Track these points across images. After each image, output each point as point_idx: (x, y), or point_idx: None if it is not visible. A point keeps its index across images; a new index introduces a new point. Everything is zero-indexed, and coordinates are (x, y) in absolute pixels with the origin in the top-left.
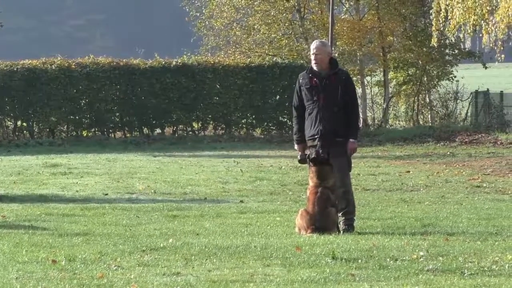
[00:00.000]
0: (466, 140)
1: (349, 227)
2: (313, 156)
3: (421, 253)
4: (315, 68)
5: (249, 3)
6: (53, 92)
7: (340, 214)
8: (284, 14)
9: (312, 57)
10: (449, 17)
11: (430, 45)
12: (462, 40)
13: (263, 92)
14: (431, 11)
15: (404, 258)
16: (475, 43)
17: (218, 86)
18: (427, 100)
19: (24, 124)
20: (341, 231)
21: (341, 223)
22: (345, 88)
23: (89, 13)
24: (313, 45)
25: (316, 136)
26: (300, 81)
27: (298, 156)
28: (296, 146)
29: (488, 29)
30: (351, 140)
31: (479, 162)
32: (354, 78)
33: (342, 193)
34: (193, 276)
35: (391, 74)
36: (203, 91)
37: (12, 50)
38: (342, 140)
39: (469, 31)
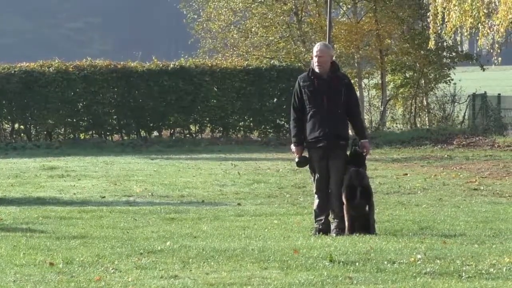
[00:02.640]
0: (464, 143)
1: (341, 231)
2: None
3: (419, 256)
4: (317, 70)
5: (247, 6)
6: (50, 95)
7: (333, 218)
8: (281, 17)
9: (316, 59)
10: (446, 20)
11: (428, 47)
12: (460, 43)
13: (261, 95)
14: (428, 14)
15: (401, 261)
16: (473, 45)
17: (216, 89)
18: (425, 103)
19: (22, 126)
20: (334, 235)
21: (333, 227)
22: (348, 91)
23: (87, 16)
24: (317, 47)
25: (320, 138)
26: (301, 83)
27: (296, 159)
28: (294, 149)
29: (485, 32)
30: (363, 141)
31: (476, 165)
32: (352, 81)
33: (338, 197)
34: (190, 279)
35: (388, 77)
36: (201, 93)
37: (9, 52)
38: (344, 143)
39: (466, 34)
